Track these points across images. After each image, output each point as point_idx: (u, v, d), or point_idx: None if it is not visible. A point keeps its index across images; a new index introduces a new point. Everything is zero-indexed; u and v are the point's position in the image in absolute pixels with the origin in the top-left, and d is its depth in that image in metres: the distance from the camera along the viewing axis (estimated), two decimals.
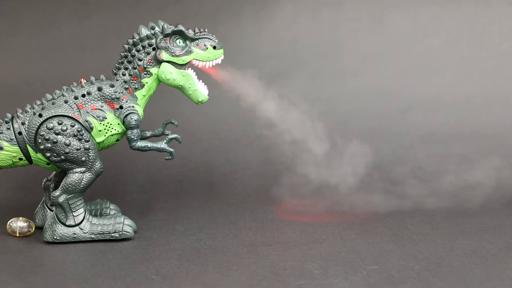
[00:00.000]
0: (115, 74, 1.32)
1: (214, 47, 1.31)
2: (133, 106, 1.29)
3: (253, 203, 1.56)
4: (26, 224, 1.34)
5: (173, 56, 1.29)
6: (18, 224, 1.34)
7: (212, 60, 1.31)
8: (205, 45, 1.30)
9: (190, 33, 1.30)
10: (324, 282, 1.11)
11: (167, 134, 1.36)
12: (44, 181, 1.39)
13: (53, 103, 1.27)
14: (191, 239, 1.32)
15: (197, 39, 1.30)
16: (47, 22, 1.93)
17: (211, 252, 1.25)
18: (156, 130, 1.39)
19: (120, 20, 1.92)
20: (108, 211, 1.41)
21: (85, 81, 1.31)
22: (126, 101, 1.29)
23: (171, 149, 1.32)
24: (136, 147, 1.29)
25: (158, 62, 1.30)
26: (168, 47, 1.29)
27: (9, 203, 1.56)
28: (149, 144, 1.30)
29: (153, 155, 1.59)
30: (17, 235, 1.34)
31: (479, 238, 1.33)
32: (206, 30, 1.32)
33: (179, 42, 1.30)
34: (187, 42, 1.30)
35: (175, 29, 1.29)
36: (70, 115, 1.26)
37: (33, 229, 1.35)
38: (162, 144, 1.31)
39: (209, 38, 1.31)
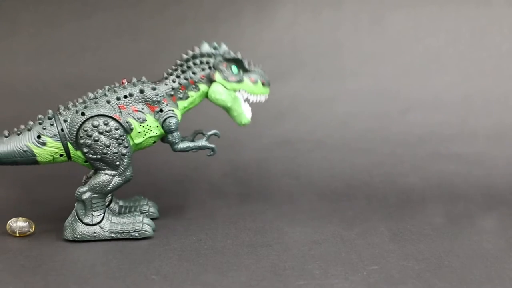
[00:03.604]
0: (166, 78, 1.34)
1: (263, 84, 1.35)
2: (172, 110, 1.31)
3: (253, 203, 1.56)
4: (26, 224, 1.34)
5: (225, 80, 1.33)
6: (18, 224, 1.34)
7: (258, 95, 1.36)
8: (255, 80, 1.34)
9: (246, 63, 1.34)
10: (324, 282, 1.11)
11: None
12: (84, 178, 1.41)
13: (95, 102, 1.29)
14: (191, 239, 1.32)
15: (250, 71, 1.35)
16: (47, 22, 1.93)
17: (211, 252, 1.25)
18: (186, 137, 1.40)
19: (120, 20, 1.93)
20: (148, 208, 1.43)
21: (127, 82, 1.32)
22: (166, 105, 1.31)
23: (212, 145, 1.35)
24: (179, 149, 1.33)
25: (209, 80, 1.33)
26: (224, 70, 1.33)
27: (9, 203, 1.56)
28: (191, 144, 1.34)
29: (153, 156, 1.60)
30: (17, 235, 1.34)
31: (479, 238, 1.33)
32: (261, 66, 1.36)
33: (234, 69, 1.34)
34: (241, 71, 1.34)
35: (235, 56, 1.33)
36: (111, 115, 1.28)
37: (33, 229, 1.35)
38: (203, 142, 1.35)
39: (261, 74, 1.35)
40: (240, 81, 1.34)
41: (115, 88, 1.31)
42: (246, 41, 1.91)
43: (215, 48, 1.34)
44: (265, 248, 1.27)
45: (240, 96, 1.35)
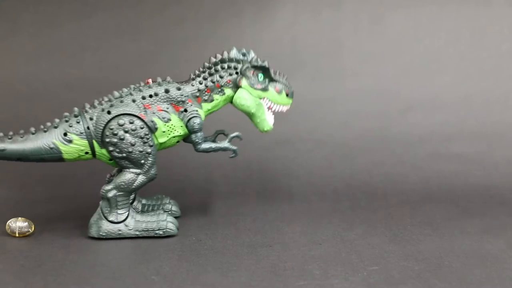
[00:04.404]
0: (193, 79, 1.34)
1: (287, 95, 1.36)
2: (196, 110, 1.32)
3: (253, 203, 1.56)
4: (26, 224, 1.34)
5: (251, 87, 1.34)
6: (18, 224, 1.34)
7: (281, 105, 1.37)
8: (280, 89, 1.35)
9: (272, 73, 1.35)
10: (324, 282, 1.11)
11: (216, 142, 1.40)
12: (108, 176, 1.42)
13: (121, 101, 1.30)
14: (191, 239, 1.32)
15: (276, 81, 1.36)
16: (47, 22, 1.93)
17: (211, 252, 1.25)
18: (208, 137, 1.41)
19: (120, 20, 1.92)
20: (170, 207, 1.44)
21: (152, 81, 1.33)
22: (191, 105, 1.32)
23: (235, 147, 1.37)
24: (202, 149, 1.34)
25: (235, 85, 1.34)
26: (250, 77, 1.34)
27: (9, 203, 1.56)
28: (213, 145, 1.35)
29: None
30: (17, 235, 1.34)
31: (479, 238, 1.33)
32: (286, 76, 1.37)
33: (260, 77, 1.35)
34: (266, 80, 1.35)
35: (263, 64, 1.34)
36: (137, 114, 1.29)
37: (33, 229, 1.35)
38: (225, 144, 1.36)
39: (285, 85, 1.36)
40: (265, 89, 1.34)
41: (140, 87, 1.32)
42: (246, 41, 1.90)
43: (243, 55, 1.35)
44: (265, 248, 1.27)
45: (264, 103, 1.36)
